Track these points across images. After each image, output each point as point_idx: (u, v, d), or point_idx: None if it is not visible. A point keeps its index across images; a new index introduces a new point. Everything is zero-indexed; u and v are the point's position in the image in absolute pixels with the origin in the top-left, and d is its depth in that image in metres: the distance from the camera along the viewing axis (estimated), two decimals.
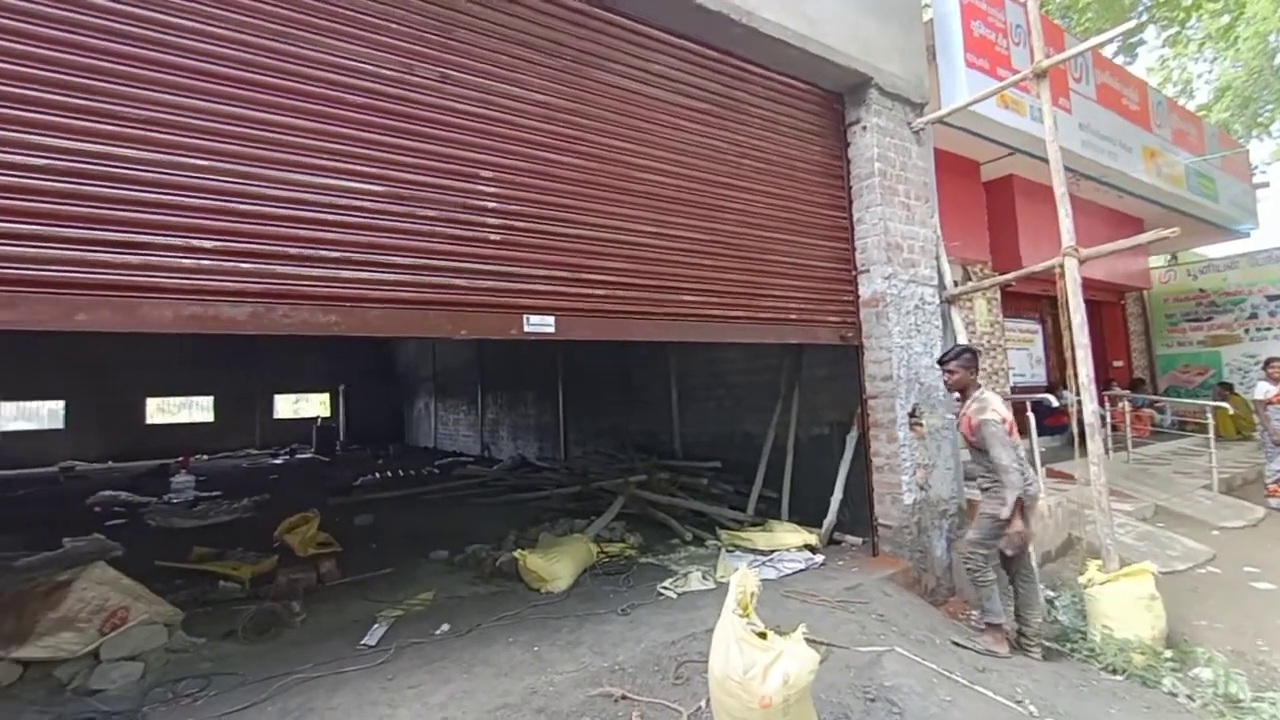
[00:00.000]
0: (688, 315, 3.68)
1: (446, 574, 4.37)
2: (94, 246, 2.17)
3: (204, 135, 2.39)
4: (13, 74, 2.08)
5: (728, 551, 4.45)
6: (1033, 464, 4.02)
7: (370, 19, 2.81)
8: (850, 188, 4.59)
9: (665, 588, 3.75)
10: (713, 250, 3.82)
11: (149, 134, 2.28)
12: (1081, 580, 3.58)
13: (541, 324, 3.18)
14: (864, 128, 4.52)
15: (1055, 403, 5.00)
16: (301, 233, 2.56)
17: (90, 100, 2.19)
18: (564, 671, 2.71)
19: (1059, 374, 8.58)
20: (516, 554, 3.99)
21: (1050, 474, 5.65)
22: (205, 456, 13.59)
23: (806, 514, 4.91)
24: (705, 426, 6.77)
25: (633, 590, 3.79)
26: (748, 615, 2.00)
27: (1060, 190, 4.00)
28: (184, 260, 2.32)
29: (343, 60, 2.73)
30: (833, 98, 4.61)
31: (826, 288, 4.38)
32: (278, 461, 13.00)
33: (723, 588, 3.67)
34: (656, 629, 3.13)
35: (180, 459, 10.41)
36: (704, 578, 3.89)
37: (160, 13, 2.35)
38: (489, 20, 3.14)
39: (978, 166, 7.10)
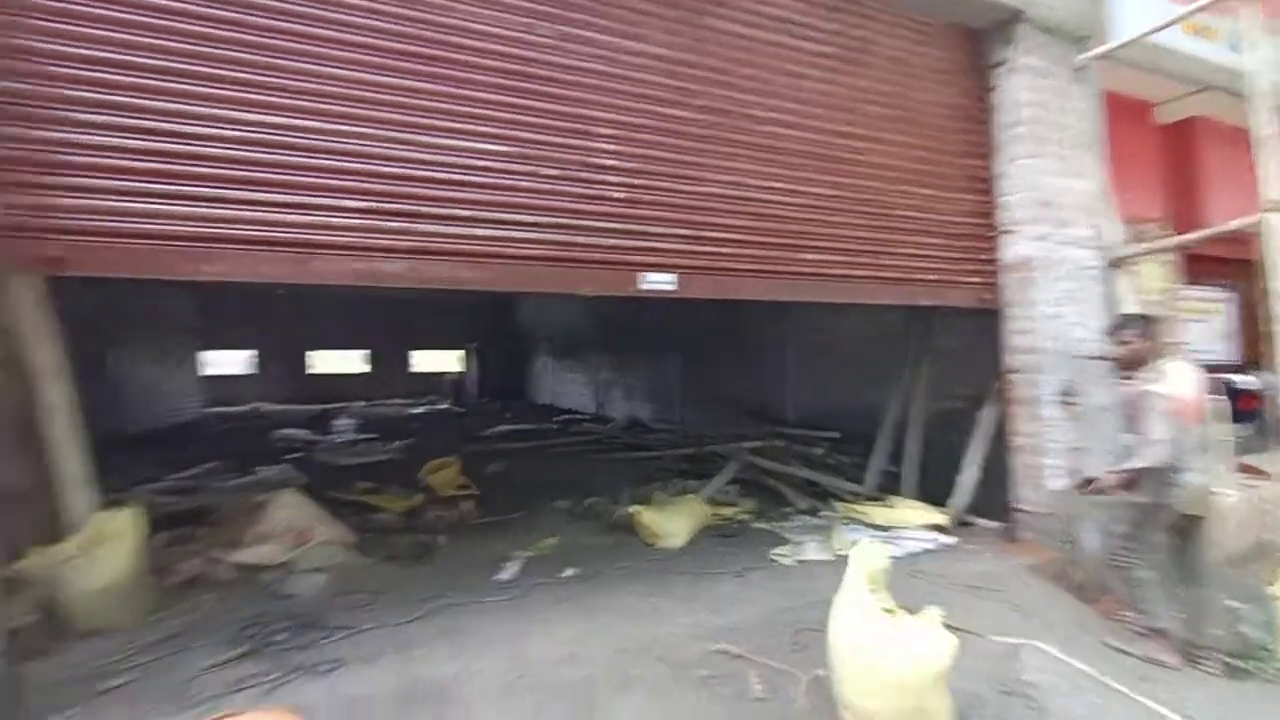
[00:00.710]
0: (809, 274, 3.58)
1: (569, 523, 4.66)
2: (272, 208, 2.50)
3: (354, 103, 2.65)
4: (200, 55, 2.40)
5: (843, 524, 4.35)
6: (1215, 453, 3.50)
7: None
8: (994, 137, 4.14)
9: (779, 554, 3.76)
10: (836, 205, 3.65)
11: (308, 104, 2.57)
12: (1273, 590, 3.12)
13: (660, 281, 3.23)
14: (1011, 69, 4.02)
15: (1248, 384, 4.29)
16: (440, 193, 2.79)
17: (264, 76, 2.50)
18: (681, 624, 2.84)
19: (1252, 351, 7.32)
20: (633, 509, 4.17)
21: (1237, 468, 4.90)
22: (360, 403, 15.35)
23: (931, 492, 4.66)
24: (823, 394, 6.57)
25: (746, 554, 3.84)
26: (878, 590, 1.97)
27: (1264, 132, 3.35)
28: (347, 220, 2.61)
29: (470, 24, 2.88)
30: (974, 35, 4.13)
31: (962, 246, 4.04)
32: (418, 411, 14.39)
33: (841, 560, 3.60)
34: (772, 593, 3.17)
35: (358, 402, 11.85)
36: (820, 548, 3.85)
37: None
38: None
39: (1151, 109, 6.08)
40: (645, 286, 3.18)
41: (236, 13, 2.48)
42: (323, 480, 5.77)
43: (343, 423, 9.35)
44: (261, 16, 2.52)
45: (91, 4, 2.25)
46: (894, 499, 4.65)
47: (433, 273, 2.77)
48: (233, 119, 2.44)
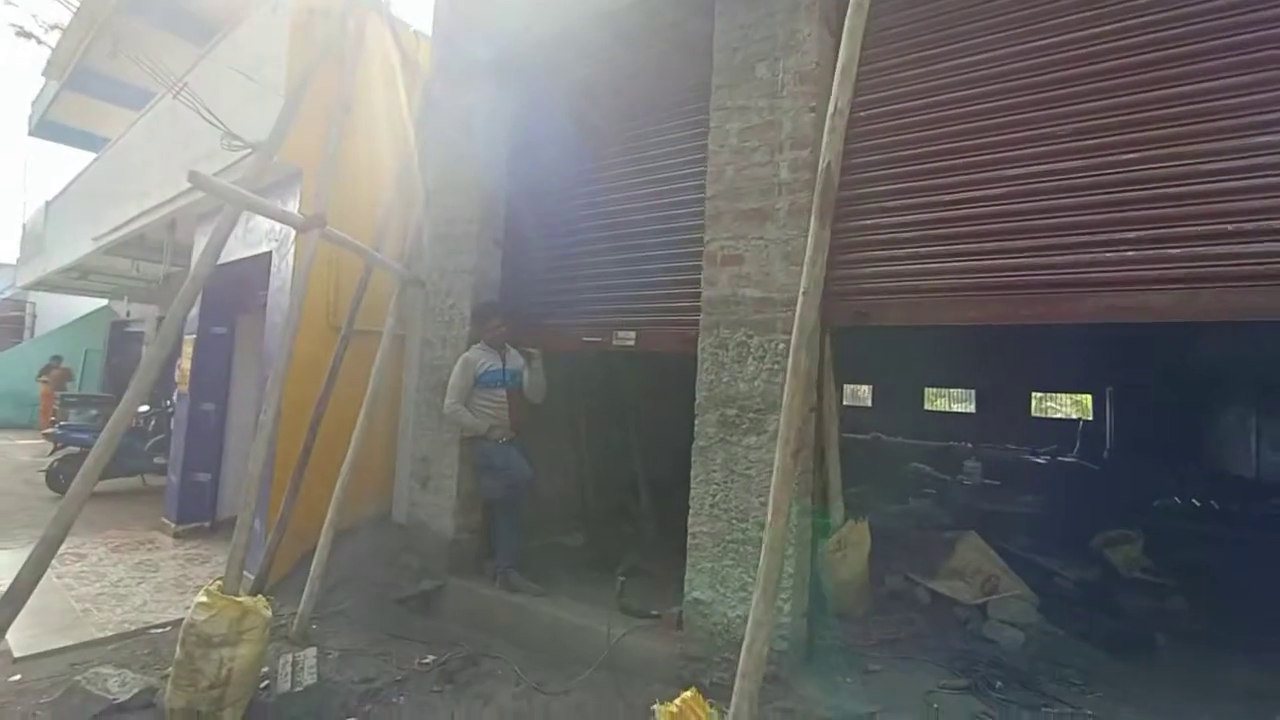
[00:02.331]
0: None
1: None
2: (1031, 253, 2.56)
3: (1120, 130, 2.43)
4: (965, 135, 2.71)
5: None
6: None
7: None
8: None
9: None
10: None
11: (1067, 145, 2.52)
12: None
13: None
14: None
15: None
16: (1240, 205, 2.24)
17: (1025, 131, 2.60)
18: None
19: None
20: None
21: None
22: (969, 445, 14.92)
23: None
24: None
25: None
26: None
27: None
28: (1113, 254, 2.41)
29: None
30: None
31: None
32: (1040, 461, 12.83)
33: None
34: None
35: (966, 444, 11.75)
36: None
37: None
38: None
39: None
40: None
41: (1000, 92, 2.69)
42: (969, 523, 5.80)
43: (971, 464, 9.25)
44: (1026, 77, 2.64)
45: (883, 145, 2.94)
46: None
47: (1220, 302, 2.28)
48: (996, 178, 2.65)
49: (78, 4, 9.00)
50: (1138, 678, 2.97)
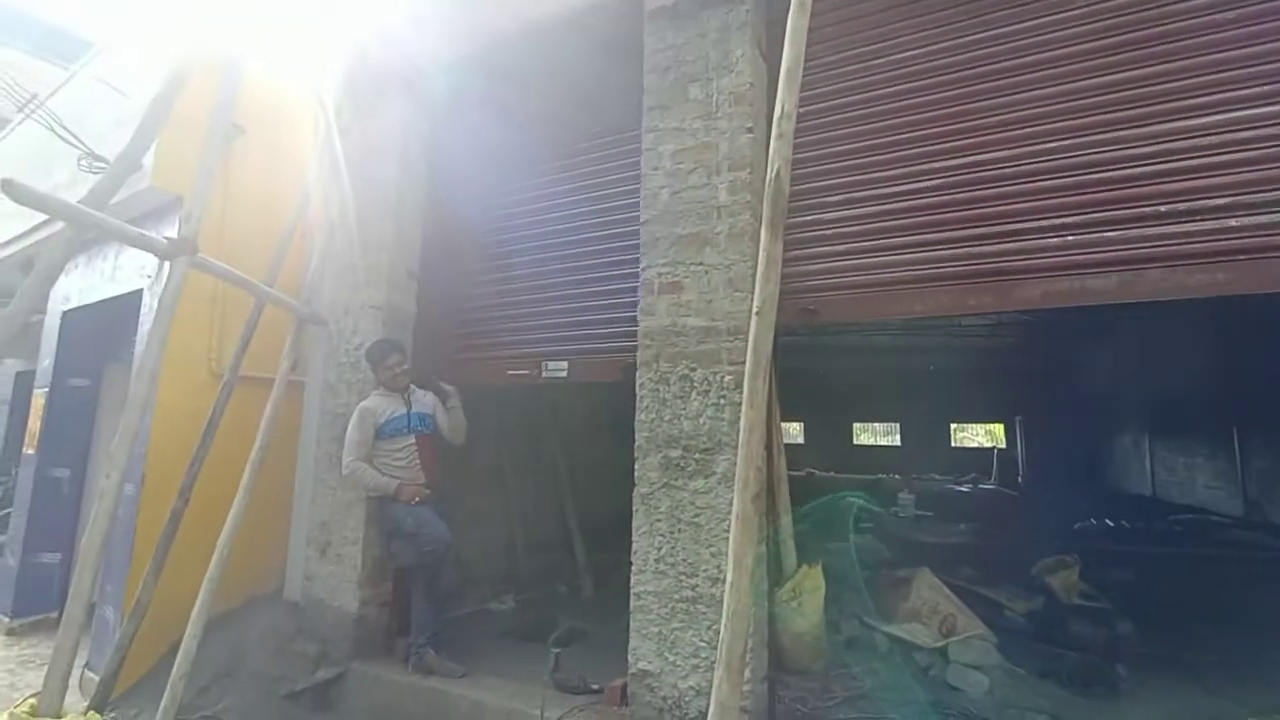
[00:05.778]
0: None
1: None
2: (974, 241, 2.49)
3: (1055, 119, 2.42)
4: (898, 132, 2.63)
5: None
6: None
7: None
8: None
9: None
10: None
11: (1004, 134, 2.50)
12: None
13: None
14: None
15: None
16: (1171, 186, 2.23)
17: (958, 124, 2.57)
18: None
19: None
20: None
21: None
22: (897, 477, 15.30)
23: None
24: None
25: None
26: None
27: None
28: (1053, 239, 2.37)
29: None
30: None
31: None
32: (964, 489, 13.28)
33: None
34: None
35: (895, 476, 11.98)
36: None
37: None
38: None
39: None
40: None
41: (929, 87, 2.67)
42: (912, 557, 5.70)
43: (905, 496, 9.34)
44: (957, 71, 2.63)
45: (822, 141, 2.85)
46: None
47: (1151, 284, 2.23)
48: (929, 170, 2.60)
49: None
50: (1105, 714, 2.84)
